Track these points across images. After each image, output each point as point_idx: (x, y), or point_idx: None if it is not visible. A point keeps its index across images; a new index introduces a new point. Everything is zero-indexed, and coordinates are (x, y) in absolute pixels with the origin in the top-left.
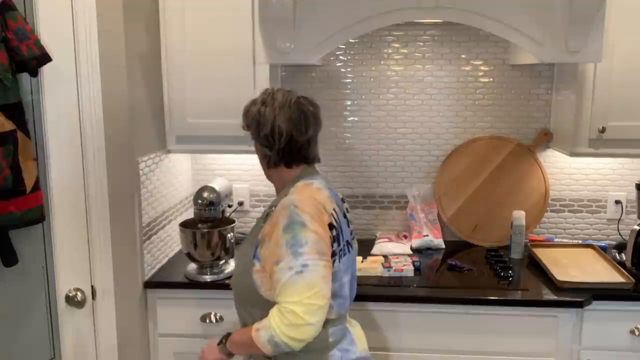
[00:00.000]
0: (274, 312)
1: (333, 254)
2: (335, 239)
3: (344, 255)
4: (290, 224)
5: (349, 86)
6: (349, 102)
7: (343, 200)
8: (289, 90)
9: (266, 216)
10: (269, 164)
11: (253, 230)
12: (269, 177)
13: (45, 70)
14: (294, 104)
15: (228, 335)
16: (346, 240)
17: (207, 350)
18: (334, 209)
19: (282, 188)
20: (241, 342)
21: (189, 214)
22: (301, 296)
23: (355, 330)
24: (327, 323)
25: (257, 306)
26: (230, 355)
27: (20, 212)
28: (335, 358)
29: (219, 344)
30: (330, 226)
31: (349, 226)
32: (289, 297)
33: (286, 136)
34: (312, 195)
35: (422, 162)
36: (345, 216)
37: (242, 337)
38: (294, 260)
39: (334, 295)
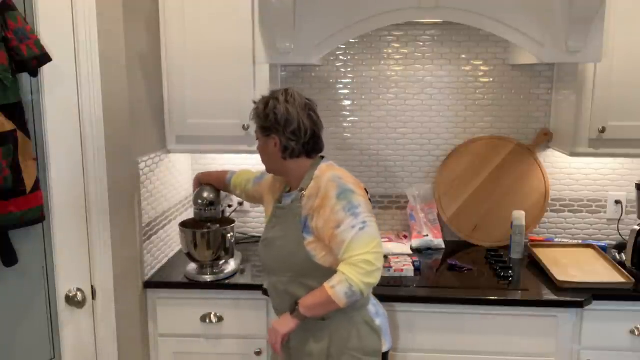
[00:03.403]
0: (345, 267)
1: None
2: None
3: None
4: (342, 192)
5: (349, 86)
6: (349, 102)
7: None
8: (297, 91)
9: (300, 198)
10: (291, 156)
11: (286, 213)
12: (282, 167)
13: (45, 70)
14: (307, 104)
15: (296, 304)
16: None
17: (280, 326)
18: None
19: (299, 176)
20: (316, 303)
21: (189, 214)
22: (369, 247)
23: None
24: None
25: (311, 276)
26: (304, 319)
27: (20, 212)
28: (372, 311)
29: (292, 313)
30: (366, 192)
31: None
32: (359, 250)
33: (310, 131)
34: (343, 171)
35: (422, 162)
36: None
37: (316, 298)
38: (355, 220)
39: None
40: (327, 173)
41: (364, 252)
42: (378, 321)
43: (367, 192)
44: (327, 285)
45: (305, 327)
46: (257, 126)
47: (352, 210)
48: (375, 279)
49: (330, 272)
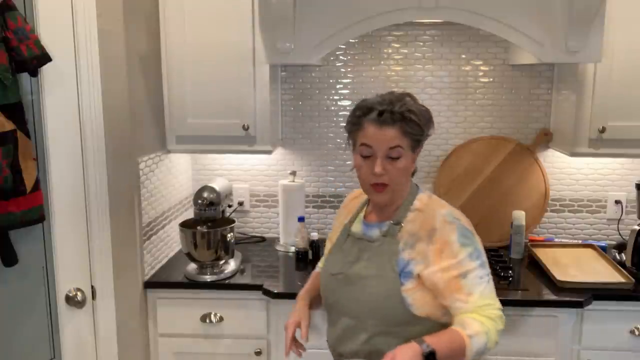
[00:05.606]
0: (484, 319)
1: None
2: None
3: None
4: (463, 235)
5: (349, 86)
6: (349, 102)
7: None
8: None
9: (396, 233)
10: (414, 172)
11: (377, 248)
12: (400, 189)
13: (45, 70)
14: None
15: (431, 352)
16: None
17: None
18: None
19: (399, 203)
20: (450, 355)
21: (189, 214)
22: (496, 301)
23: None
24: None
25: (402, 326)
26: None
27: (20, 212)
28: None
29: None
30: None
31: None
32: (494, 304)
33: None
34: (449, 205)
35: (422, 162)
36: None
37: (451, 347)
38: (482, 270)
39: None
40: (437, 209)
41: (498, 306)
42: None
43: None
44: (463, 332)
45: None
46: (406, 140)
47: (480, 259)
48: (498, 340)
49: (427, 322)
